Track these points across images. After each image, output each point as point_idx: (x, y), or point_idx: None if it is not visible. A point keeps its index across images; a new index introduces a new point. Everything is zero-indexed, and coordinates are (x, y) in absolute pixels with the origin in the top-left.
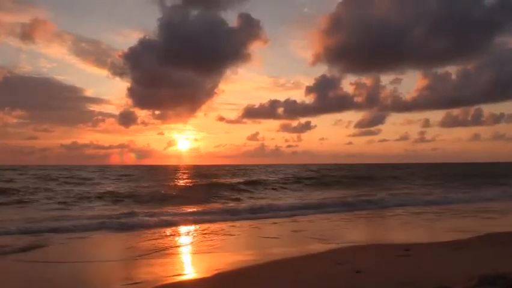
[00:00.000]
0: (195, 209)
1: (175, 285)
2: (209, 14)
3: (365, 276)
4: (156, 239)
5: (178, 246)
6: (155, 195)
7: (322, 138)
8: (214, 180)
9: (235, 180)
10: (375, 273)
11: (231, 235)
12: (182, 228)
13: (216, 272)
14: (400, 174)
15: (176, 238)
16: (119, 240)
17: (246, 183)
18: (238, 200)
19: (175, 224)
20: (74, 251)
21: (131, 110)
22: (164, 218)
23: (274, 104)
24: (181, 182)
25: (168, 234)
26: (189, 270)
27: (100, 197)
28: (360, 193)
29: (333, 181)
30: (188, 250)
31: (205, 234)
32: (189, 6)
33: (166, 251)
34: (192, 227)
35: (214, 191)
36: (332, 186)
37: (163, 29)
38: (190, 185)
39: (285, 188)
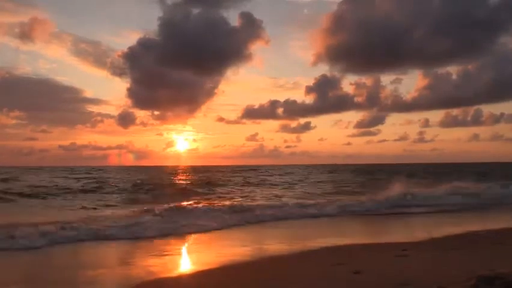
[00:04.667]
0: None
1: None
2: (210, 13)
3: (364, 276)
4: None
5: None
6: None
7: (321, 139)
8: None
9: None
10: (374, 273)
11: None
12: None
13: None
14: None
15: None
16: None
17: None
18: None
19: None
20: None
21: (130, 110)
22: None
23: (274, 104)
24: None
25: None
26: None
27: None
28: None
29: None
30: None
31: None
32: (190, 5)
33: None
34: None
35: None
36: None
37: (164, 28)
38: None
39: None
